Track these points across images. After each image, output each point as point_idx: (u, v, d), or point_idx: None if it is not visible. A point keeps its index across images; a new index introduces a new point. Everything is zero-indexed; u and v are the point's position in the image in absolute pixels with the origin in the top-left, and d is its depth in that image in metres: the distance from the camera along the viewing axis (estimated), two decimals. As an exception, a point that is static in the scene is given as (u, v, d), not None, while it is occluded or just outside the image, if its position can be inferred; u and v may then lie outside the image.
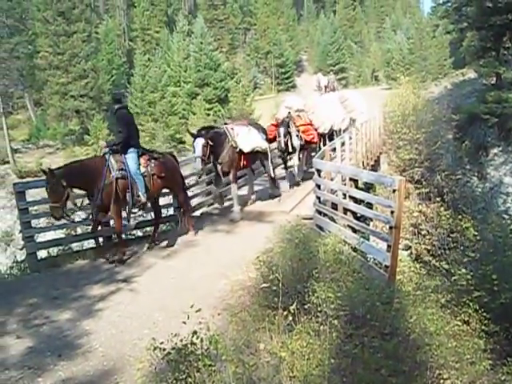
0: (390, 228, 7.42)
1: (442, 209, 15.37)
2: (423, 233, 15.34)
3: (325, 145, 17.28)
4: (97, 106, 43.87)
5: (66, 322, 6.85)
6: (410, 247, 15.30)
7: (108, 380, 5.29)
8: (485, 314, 6.74)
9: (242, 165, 11.98)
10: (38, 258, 9.53)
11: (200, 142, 10.96)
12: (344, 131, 17.23)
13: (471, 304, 6.90)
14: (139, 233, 11.68)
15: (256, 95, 50.86)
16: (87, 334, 6.41)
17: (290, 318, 4.56)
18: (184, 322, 4.18)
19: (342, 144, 14.51)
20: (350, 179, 11.99)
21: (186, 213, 10.86)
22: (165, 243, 10.35)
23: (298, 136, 14.34)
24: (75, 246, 10.53)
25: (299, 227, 8.07)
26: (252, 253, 7.82)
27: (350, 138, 14.95)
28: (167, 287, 7.91)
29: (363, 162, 17.41)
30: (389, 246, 7.49)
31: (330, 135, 17.59)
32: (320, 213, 10.23)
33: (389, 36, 73.70)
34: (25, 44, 45.37)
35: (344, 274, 6.42)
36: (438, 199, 16.81)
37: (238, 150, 11.64)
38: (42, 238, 9.89)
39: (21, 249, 11.68)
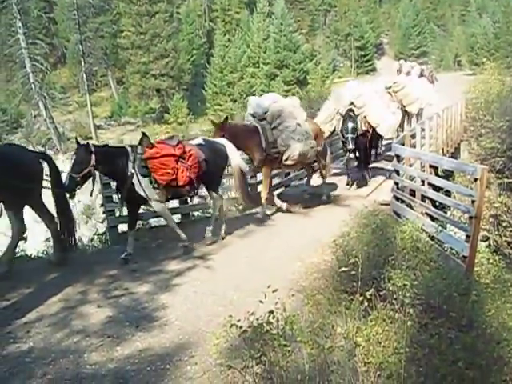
0: (470, 218, 7.24)
1: (525, 201, 14.88)
2: (504, 224, 14.88)
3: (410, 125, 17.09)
4: (177, 86, 44.64)
5: (144, 294, 7.06)
6: (489, 238, 14.88)
7: (183, 353, 5.41)
8: None
9: None
10: (119, 231, 9.86)
11: None
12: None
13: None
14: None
15: (335, 78, 50.26)
16: (164, 308, 6.58)
17: (366, 304, 4.54)
18: (261, 301, 4.22)
19: (422, 130, 14.20)
20: (430, 166, 11.74)
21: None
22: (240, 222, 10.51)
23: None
24: (153, 221, 10.81)
25: (376, 212, 8.00)
26: (327, 236, 7.81)
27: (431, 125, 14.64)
28: (242, 266, 8.00)
29: (443, 149, 17.03)
30: (467, 236, 7.32)
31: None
32: (398, 199, 10.07)
33: (473, 19, 71.08)
34: (109, 24, 46.81)
35: (420, 263, 6.32)
36: (520, 190, 16.28)
37: None
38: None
39: (101, 222, 12.12)
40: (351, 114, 12.10)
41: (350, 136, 11.89)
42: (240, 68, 45.14)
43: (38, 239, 9.24)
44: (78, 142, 7.77)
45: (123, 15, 45.47)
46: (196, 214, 11.60)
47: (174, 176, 8.20)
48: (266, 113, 10.59)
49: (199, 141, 9.18)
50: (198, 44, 53.61)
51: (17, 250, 8.46)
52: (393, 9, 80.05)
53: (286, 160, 10.65)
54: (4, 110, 43.05)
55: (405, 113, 16.33)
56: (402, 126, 16.83)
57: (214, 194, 9.28)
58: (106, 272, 7.97)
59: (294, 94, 42.36)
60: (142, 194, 8.04)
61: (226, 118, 10.59)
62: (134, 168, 7.96)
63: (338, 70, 61.21)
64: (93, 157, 7.64)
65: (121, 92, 48.55)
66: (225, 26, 58.71)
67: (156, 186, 8.20)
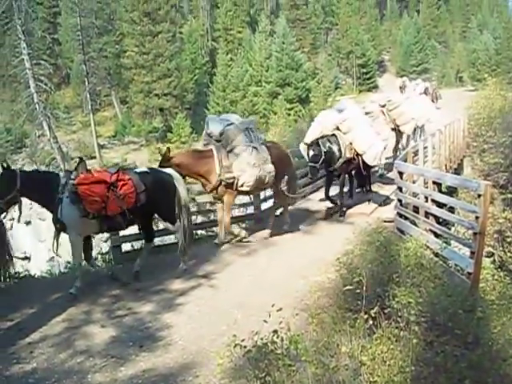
0: (474, 234, 7.22)
1: (529, 216, 14.81)
2: (509, 240, 14.78)
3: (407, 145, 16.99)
4: (180, 105, 44.78)
5: (148, 314, 7.07)
6: (493, 254, 14.79)
7: (187, 373, 5.40)
8: None
9: None
10: (123, 250, 9.86)
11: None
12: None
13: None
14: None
15: (337, 95, 50.39)
16: (168, 327, 6.59)
17: (371, 322, 4.52)
18: (265, 321, 4.21)
19: (425, 147, 14.22)
20: (433, 182, 11.74)
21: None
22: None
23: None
24: (157, 240, 10.79)
25: (380, 230, 7.98)
26: (331, 254, 7.80)
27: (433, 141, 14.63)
28: (246, 285, 8.01)
29: (446, 165, 17.02)
30: (472, 253, 7.29)
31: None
32: (401, 216, 10.06)
33: (474, 36, 71.23)
34: (112, 44, 47.22)
35: (425, 280, 6.29)
36: (524, 206, 16.22)
37: None
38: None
39: (105, 241, 12.13)
40: (319, 140, 11.60)
41: (310, 165, 11.54)
42: (242, 87, 45.29)
43: (41, 259, 9.24)
44: (2, 166, 7.44)
45: (126, 35, 45.79)
46: (200, 232, 11.60)
47: (103, 205, 7.59)
48: (221, 135, 10.08)
49: (144, 170, 8.75)
50: (201, 63, 53.85)
51: (20, 269, 8.47)
52: (394, 26, 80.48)
53: (242, 186, 10.06)
54: (8, 129, 43.28)
55: (398, 133, 16.28)
56: (396, 148, 16.85)
57: (169, 225, 8.71)
58: (109, 292, 7.99)
59: (296, 112, 42.70)
60: (64, 221, 7.55)
61: (168, 149, 10.08)
62: (60, 194, 7.50)
63: (341, 87, 61.37)
64: (18, 182, 7.36)
65: (124, 111, 48.76)
66: (227, 46, 59.04)
67: (86, 214, 7.59)
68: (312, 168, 11.46)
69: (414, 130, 17.41)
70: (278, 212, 12.05)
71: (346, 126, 11.90)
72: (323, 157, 11.45)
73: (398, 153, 17.31)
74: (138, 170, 8.65)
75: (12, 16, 39.47)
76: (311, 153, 11.42)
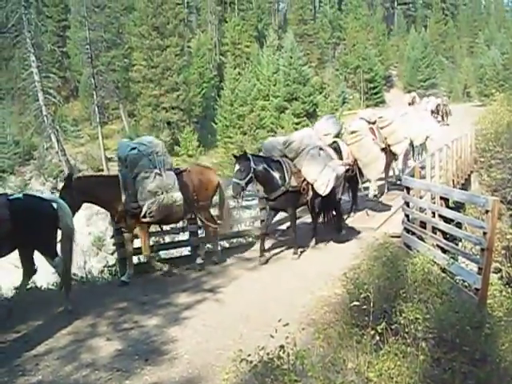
0: (482, 250, 7.19)
1: (537, 232, 14.74)
2: (516, 256, 14.73)
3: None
4: (187, 118, 45.00)
5: (154, 327, 7.04)
6: (501, 270, 14.72)
7: (193, 388, 5.39)
8: None
9: None
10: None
11: None
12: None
13: None
14: (226, 244, 11.88)
15: (344, 110, 50.48)
16: (173, 341, 6.55)
17: (378, 338, 4.50)
18: (271, 336, 4.20)
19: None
20: (441, 198, 11.71)
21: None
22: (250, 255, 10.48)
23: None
24: (163, 253, 10.80)
25: (387, 245, 7.97)
26: (337, 269, 7.80)
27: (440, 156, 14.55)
28: (252, 299, 7.97)
29: (453, 181, 16.99)
30: (480, 269, 7.26)
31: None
32: (408, 231, 10.03)
33: (482, 51, 71.40)
34: (121, 57, 47.53)
35: (432, 296, 6.27)
36: (532, 221, 16.17)
37: None
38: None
39: (112, 253, 12.13)
40: (249, 155, 9.87)
41: (233, 180, 9.71)
42: (250, 101, 45.37)
43: (48, 271, 9.25)
44: None
45: (135, 49, 46.16)
46: (206, 246, 11.59)
47: None
48: (125, 160, 9.12)
49: (17, 196, 7.67)
50: (209, 77, 54.13)
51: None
52: (401, 41, 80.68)
53: (145, 217, 8.95)
54: (17, 142, 43.54)
55: (390, 153, 14.61)
56: (387, 169, 15.39)
57: (49, 259, 7.59)
58: (115, 304, 7.98)
59: (303, 127, 42.74)
60: None
61: (69, 175, 9.22)
62: None
63: (348, 102, 61.47)
64: None
65: (132, 125, 48.91)
66: (235, 60, 59.31)
67: None
68: (235, 185, 9.58)
69: (413, 149, 16.93)
70: (284, 226, 12.02)
71: (293, 150, 10.26)
72: (251, 175, 9.62)
73: (393, 173, 17.04)
74: (11, 197, 7.54)
75: (22, 29, 39.75)
76: (236, 167, 9.68)
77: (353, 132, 12.52)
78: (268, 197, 10.19)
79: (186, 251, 11.30)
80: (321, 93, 49.89)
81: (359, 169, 12.26)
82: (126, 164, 9.10)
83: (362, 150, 12.01)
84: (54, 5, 55.23)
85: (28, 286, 8.80)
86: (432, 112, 19.94)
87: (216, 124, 45.04)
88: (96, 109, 44.00)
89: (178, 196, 9.05)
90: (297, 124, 43.41)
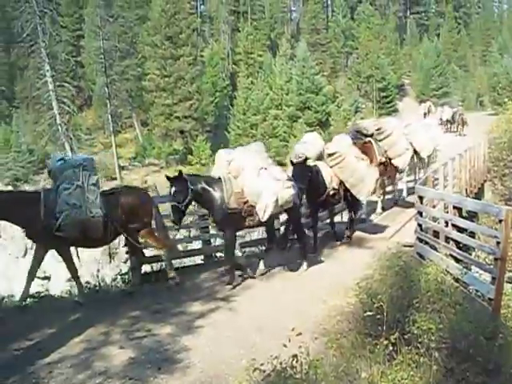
0: (496, 259, 7.15)
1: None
2: (530, 266, 14.62)
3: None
4: (200, 127, 45.22)
5: (167, 336, 7.05)
6: (515, 280, 14.62)
7: (205, 397, 5.39)
8: None
9: None
10: (142, 271, 9.87)
11: None
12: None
13: None
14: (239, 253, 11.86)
15: (357, 119, 50.43)
16: (186, 350, 6.56)
17: (391, 348, 4.48)
18: (285, 345, 4.19)
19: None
20: (454, 207, 11.65)
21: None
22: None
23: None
24: (175, 262, 10.80)
25: (400, 254, 7.94)
26: (350, 278, 7.76)
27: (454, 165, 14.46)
28: (264, 308, 7.96)
29: (466, 190, 16.91)
30: (493, 278, 7.22)
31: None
32: (421, 240, 9.98)
33: (495, 59, 70.86)
34: (134, 67, 47.94)
35: (445, 306, 6.24)
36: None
37: None
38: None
39: (125, 262, 12.14)
40: (185, 175, 8.98)
41: (171, 204, 8.93)
42: (263, 110, 45.50)
43: (61, 279, 9.29)
44: None
45: (148, 59, 46.56)
46: (219, 255, 11.59)
47: None
48: (50, 173, 8.63)
49: None
50: (222, 86, 54.31)
51: (40, 289, 8.52)
52: (414, 50, 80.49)
53: (59, 230, 8.06)
54: (31, 150, 44.03)
55: (391, 166, 13.98)
56: (384, 186, 14.65)
57: None
58: (128, 313, 7.99)
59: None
60: None
61: None
62: None
63: (360, 111, 61.37)
64: None
65: (145, 133, 49.21)
66: (248, 69, 59.54)
67: None
68: (174, 208, 8.82)
69: (421, 161, 16.30)
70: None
71: (235, 169, 9.28)
72: (189, 196, 8.83)
73: (393, 187, 15.83)
74: None
75: (36, 39, 40.15)
76: (172, 189, 8.81)
77: (331, 154, 11.41)
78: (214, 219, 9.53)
79: (198, 260, 11.34)
80: (333, 102, 49.91)
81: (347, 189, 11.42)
82: (51, 176, 8.66)
83: (345, 171, 11.24)
84: (68, 15, 56.03)
85: (42, 294, 8.87)
86: (448, 121, 19.70)
87: (229, 133, 45.21)
88: (109, 118, 44.38)
89: (96, 212, 8.31)
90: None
